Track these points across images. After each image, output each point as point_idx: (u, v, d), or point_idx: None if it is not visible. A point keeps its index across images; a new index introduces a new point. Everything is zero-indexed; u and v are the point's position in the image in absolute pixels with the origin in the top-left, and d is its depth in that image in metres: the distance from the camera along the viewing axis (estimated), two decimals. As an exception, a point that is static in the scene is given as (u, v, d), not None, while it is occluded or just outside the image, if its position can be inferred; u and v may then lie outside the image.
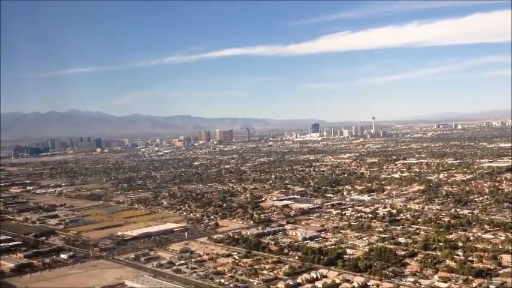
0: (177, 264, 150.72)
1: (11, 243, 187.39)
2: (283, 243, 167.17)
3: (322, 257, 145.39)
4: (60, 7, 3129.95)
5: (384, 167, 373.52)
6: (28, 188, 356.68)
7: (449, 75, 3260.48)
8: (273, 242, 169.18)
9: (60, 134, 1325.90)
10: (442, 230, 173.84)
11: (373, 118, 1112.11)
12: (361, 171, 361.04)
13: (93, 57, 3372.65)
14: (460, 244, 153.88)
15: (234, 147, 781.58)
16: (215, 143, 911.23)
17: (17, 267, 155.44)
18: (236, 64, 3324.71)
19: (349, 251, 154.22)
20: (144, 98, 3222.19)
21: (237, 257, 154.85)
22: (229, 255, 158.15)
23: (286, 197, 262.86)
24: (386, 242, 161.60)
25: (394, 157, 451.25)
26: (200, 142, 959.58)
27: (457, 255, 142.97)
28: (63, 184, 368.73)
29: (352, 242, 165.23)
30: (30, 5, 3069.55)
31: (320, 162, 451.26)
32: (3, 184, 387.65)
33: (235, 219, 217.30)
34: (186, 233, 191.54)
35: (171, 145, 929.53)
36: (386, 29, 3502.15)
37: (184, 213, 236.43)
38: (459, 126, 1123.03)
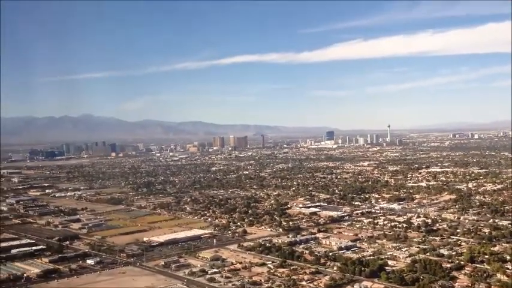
0: (210, 272, 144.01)
1: (34, 248, 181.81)
2: (318, 253, 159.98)
3: (363, 269, 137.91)
4: (73, 12, 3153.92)
5: (408, 175, 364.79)
6: (47, 191, 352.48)
7: (461, 85, 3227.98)
8: (307, 251, 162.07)
9: (74, 138, 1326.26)
10: (484, 241, 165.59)
11: (389, 126, 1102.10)
12: (385, 179, 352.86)
13: (105, 62, 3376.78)
14: (508, 257, 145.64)
15: (250, 153, 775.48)
16: (229, 149, 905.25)
17: (43, 273, 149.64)
18: (248, 71, 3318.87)
19: (390, 262, 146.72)
20: (155, 103, 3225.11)
21: (271, 266, 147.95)
22: (263, 264, 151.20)
23: (312, 204, 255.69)
24: (428, 254, 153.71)
25: (416, 165, 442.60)
26: (214, 148, 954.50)
27: (508, 268, 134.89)
28: (82, 188, 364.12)
29: (391, 253, 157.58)
30: (43, 10, 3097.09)
31: (340, 169, 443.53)
32: (21, 187, 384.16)
33: (262, 226, 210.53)
34: (214, 240, 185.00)
35: (185, 150, 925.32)
36: (399, 38, 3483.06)
37: (209, 219, 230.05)
38: (475, 136, 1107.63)
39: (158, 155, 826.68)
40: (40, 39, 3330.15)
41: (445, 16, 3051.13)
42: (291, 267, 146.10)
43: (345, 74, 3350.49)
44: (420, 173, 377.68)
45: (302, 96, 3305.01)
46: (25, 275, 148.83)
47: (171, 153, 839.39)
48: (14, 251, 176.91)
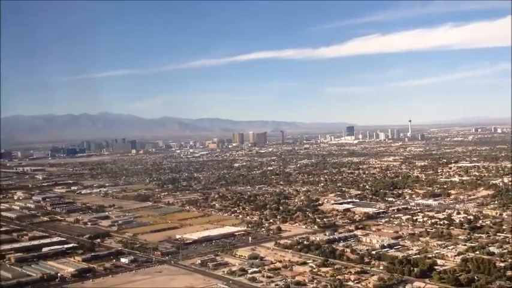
0: (250, 271, 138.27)
1: (66, 246, 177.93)
2: (360, 251, 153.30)
3: (412, 268, 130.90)
4: (90, 12, 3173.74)
5: (439, 171, 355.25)
6: (72, 188, 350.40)
7: (481, 79, 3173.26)
8: (348, 250, 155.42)
9: (93, 136, 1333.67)
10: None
11: (410, 121, 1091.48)
12: (415, 174, 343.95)
13: (123, 60, 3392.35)
14: None
15: (270, 149, 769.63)
16: (249, 145, 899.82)
17: (78, 272, 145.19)
18: (265, 67, 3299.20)
19: (439, 261, 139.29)
20: (173, 100, 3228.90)
21: (313, 266, 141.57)
22: (304, 263, 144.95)
23: (344, 201, 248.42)
24: (477, 252, 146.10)
25: (444, 160, 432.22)
26: (234, 144, 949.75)
27: None
28: (107, 185, 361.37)
29: (437, 251, 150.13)
30: (60, 9, 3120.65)
31: (366, 164, 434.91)
32: (46, 184, 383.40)
33: (296, 223, 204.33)
34: (249, 238, 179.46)
35: (205, 147, 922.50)
36: (418, 32, 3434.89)
37: (240, 216, 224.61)
38: (498, 130, 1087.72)
39: (178, 151, 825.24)
40: (58, 39, 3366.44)
41: (464, 10, 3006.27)
42: (334, 267, 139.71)
43: (362, 69, 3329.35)
44: (450, 168, 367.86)
45: (319, 92, 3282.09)
46: (59, 274, 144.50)
47: (191, 150, 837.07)
48: (45, 250, 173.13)
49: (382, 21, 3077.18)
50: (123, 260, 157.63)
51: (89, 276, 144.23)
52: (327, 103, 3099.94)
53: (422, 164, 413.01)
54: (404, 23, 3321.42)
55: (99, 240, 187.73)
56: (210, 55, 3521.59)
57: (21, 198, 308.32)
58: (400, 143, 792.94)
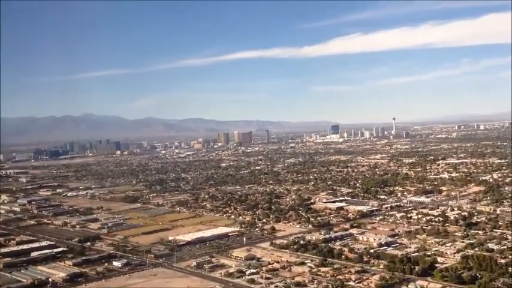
0: (247, 273, 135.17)
1: (55, 250, 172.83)
2: (358, 250, 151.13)
3: (413, 266, 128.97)
4: (74, 12, 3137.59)
5: (427, 168, 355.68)
6: (58, 190, 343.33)
7: (464, 77, 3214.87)
8: (346, 249, 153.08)
9: (76, 138, 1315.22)
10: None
11: (394, 119, 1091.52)
12: (404, 171, 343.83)
13: (107, 60, 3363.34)
14: None
15: (256, 148, 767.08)
16: (234, 145, 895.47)
17: (70, 277, 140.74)
18: (251, 66, 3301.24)
19: (439, 259, 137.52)
20: (158, 101, 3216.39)
21: (312, 266, 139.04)
22: (302, 263, 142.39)
23: (336, 199, 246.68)
24: (476, 249, 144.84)
25: (431, 157, 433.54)
26: (219, 144, 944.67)
27: None
28: (93, 186, 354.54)
29: (436, 249, 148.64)
30: (44, 9, 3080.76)
31: (354, 163, 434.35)
32: (30, 187, 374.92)
33: (290, 223, 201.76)
34: (244, 238, 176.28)
35: (190, 147, 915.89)
36: (400, 30, 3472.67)
37: (232, 216, 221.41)
38: (481, 127, 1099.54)
39: (163, 152, 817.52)
40: (41, 39, 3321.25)
41: (445, 7, 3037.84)
42: (334, 266, 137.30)
43: (346, 68, 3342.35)
44: (439, 165, 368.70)
45: (304, 91, 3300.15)
46: (50, 279, 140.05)
47: (176, 150, 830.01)
48: (34, 254, 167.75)
49: (364, 21, 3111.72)
50: (116, 263, 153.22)
51: (81, 281, 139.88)
52: (312, 102, 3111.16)
53: (410, 161, 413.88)
54: (386, 22, 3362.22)
55: (89, 243, 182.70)
56: (195, 55, 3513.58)
57: (5, 201, 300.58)
58: (386, 141, 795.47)
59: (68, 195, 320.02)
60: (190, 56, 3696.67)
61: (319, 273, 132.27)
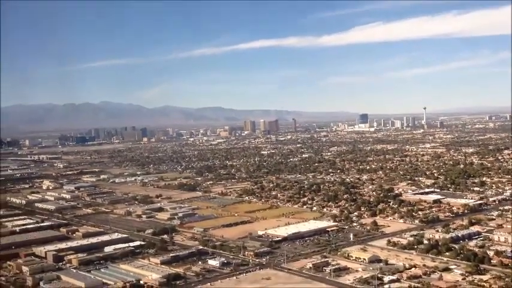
0: (386, 280, 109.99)
1: (131, 244, 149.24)
2: (504, 252, 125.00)
3: None
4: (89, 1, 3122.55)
5: (499, 157, 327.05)
6: (102, 176, 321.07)
7: (482, 68, 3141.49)
8: (491, 252, 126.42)
9: (97, 125, 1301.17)
10: None
11: (425, 109, 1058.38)
12: (475, 161, 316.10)
13: (123, 49, 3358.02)
14: None
15: (289, 136, 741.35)
16: (262, 133, 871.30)
17: (166, 280, 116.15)
18: (267, 56, 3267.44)
19: None
20: (174, 89, 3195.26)
21: (462, 272, 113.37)
22: (446, 269, 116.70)
23: (426, 191, 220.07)
24: None
25: (491, 147, 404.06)
26: (246, 132, 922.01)
27: None
28: (138, 173, 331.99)
29: None
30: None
31: (407, 152, 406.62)
32: (70, 173, 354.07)
33: (389, 217, 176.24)
34: (350, 235, 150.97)
35: (217, 135, 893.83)
36: (420, 20, 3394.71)
37: (315, 208, 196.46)
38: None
39: (192, 139, 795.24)
40: (58, 29, 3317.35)
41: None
42: (492, 274, 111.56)
43: (365, 58, 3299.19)
44: (509, 155, 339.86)
45: (321, 81, 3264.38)
46: (142, 281, 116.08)
47: (205, 138, 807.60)
48: (108, 249, 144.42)
49: (384, 10, 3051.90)
50: (212, 262, 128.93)
51: (181, 284, 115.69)
52: (328, 92, 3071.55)
53: (471, 150, 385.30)
54: (407, 11, 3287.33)
55: (165, 236, 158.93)
56: (211, 44, 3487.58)
57: (50, 188, 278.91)
58: (422, 131, 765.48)
59: (116, 181, 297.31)
60: (204, 45, 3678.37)
61: (481, 283, 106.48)
